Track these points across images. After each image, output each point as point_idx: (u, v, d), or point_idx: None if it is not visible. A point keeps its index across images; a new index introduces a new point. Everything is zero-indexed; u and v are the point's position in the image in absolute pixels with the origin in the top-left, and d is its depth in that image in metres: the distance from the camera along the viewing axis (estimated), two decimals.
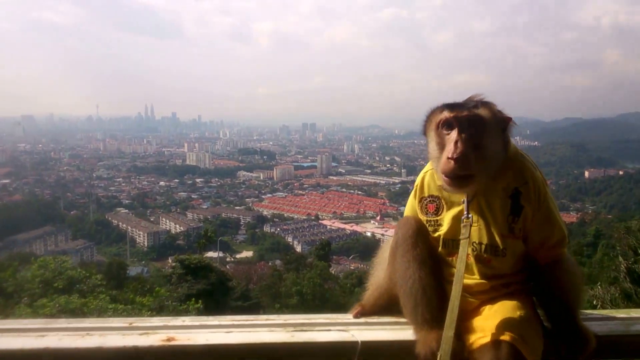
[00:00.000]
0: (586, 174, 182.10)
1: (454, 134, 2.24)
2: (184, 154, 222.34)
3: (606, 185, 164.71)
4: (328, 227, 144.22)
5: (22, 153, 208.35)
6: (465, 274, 2.31)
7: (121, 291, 27.11)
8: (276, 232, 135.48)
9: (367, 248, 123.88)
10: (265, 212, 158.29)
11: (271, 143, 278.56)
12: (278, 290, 41.86)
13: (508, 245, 2.33)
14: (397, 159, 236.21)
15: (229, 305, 36.36)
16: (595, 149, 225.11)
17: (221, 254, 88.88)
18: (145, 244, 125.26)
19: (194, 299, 16.61)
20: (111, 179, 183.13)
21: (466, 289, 2.33)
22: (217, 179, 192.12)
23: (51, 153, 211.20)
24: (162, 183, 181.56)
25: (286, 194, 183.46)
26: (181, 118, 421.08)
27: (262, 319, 2.72)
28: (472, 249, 2.36)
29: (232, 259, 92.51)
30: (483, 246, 2.35)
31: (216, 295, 35.40)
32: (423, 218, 2.50)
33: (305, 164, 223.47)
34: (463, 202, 2.35)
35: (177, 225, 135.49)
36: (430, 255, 2.42)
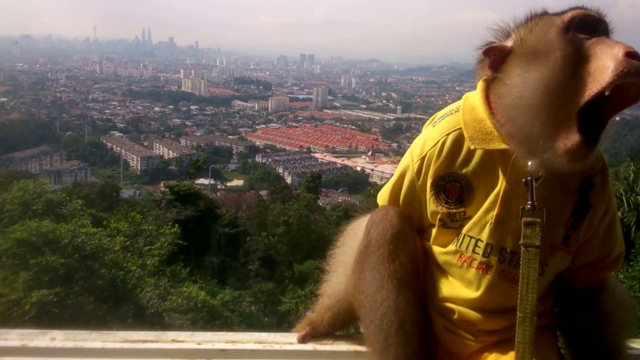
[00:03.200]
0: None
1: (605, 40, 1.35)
2: (180, 80, 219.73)
3: None
4: (319, 160, 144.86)
5: (19, 72, 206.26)
6: (464, 296, 1.60)
7: (112, 213, 27.61)
8: (267, 163, 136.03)
9: (356, 182, 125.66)
10: (258, 143, 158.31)
11: (268, 73, 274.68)
12: (265, 220, 42.61)
13: (553, 261, 1.58)
14: (393, 95, 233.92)
15: (216, 231, 37.12)
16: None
17: (212, 182, 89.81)
18: (139, 167, 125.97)
19: (170, 223, 16.87)
20: (106, 101, 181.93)
21: (464, 323, 1.62)
22: (211, 107, 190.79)
23: (48, 74, 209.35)
24: (156, 108, 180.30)
25: (280, 125, 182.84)
26: (178, 44, 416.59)
27: (166, 339, 1.93)
28: (499, 259, 1.55)
29: (223, 187, 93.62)
30: (515, 257, 1.53)
31: (204, 221, 36.02)
32: (437, 209, 1.60)
33: (300, 96, 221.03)
34: (525, 183, 1.45)
35: (171, 151, 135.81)
36: (414, 269, 1.63)
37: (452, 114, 1.61)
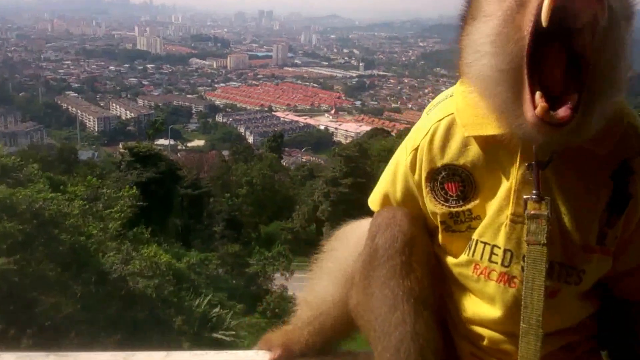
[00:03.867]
0: None
1: None
2: (135, 38, 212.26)
3: None
4: (281, 119, 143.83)
5: None
6: (489, 316, 1.32)
7: (71, 176, 26.78)
8: (228, 123, 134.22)
9: (320, 141, 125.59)
10: (217, 102, 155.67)
11: (225, 30, 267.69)
12: (228, 180, 42.22)
13: (590, 267, 1.28)
14: (355, 51, 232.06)
15: (179, 193, 36.58)
16: None
17: (172, 142, 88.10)
18: (96, 128, 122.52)
19: (127, 186, 16.44)
20: (59, 61, 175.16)
21: (495, 351, 1.34)
22: (168, 66, 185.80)
23: None
24: (112, 67, 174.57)
25: (240, 83, 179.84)
26: (132, 0, 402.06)
27: None
28: (522, 267, 1.27)
29: (184, 147, 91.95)
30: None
31: (166, 183, 35.39)
32: (435, 208, 1.36)
33: (260, 54, 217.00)
34: (529, 168, 1.22)
35: (128, 112, 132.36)
36: (431, 284, 1.37)
37: (445, 99, 1.42)
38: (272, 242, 33.47)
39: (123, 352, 1.68)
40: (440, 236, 1.37)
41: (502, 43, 1.13)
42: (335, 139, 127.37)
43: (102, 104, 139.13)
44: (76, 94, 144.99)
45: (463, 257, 1.33)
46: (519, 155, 1.23)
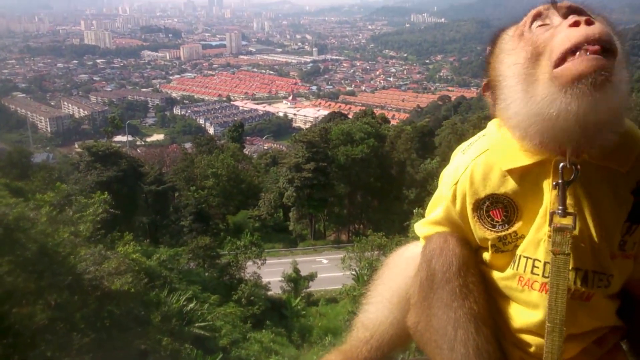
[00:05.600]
0: (488, 50, 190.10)
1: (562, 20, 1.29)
2: (82, 33, 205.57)
3: None
4: (240, 108, 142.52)
5: None
6: (534, 322, 1.44)
7: (27, 181, 25.75)
8: (187, 115, 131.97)
9: (280, 127, 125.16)
10: (174, 94, 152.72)
11: (176, 20, 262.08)
12: (192, 173, 41.69)
13: (616, 270, 1.41)
14: (308, 37, 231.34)
15: (142, 190, 35.92)
16: (499, 25, 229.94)
17: (130, 138, 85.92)
18: (48, 129, 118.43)
19: (99, 191, 16.02)
20: (2, 60, 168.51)
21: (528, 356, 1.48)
22: (119, 60, 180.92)
23: None
24: (60, 65, 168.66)
25: (195, 74, 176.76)
26: None
27: None
28: None
29: (143, 143, 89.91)
30: (581, 273, 1.39)
31: (128, 181, 34.67)
32: (485, 235, 1.47)
33: (213, 43, 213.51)
34: (555, 187, 1.35)
35: (81, 109, 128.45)
36: (486, 302, 1.50)
37: (479, 139, 1.55)
38: (240, 231, 33.28)
39: None
40: (489, 256, 1.49)
41: (527, 88, 1.27)
42: (294, 124, 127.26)
43: (52, 103, 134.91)
44: (24, 94, 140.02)
45: (509, 271, 1.45)
46: (551, 177, 1.35)
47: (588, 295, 1.38)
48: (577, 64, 1.17)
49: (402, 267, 1.67)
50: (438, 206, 1.57)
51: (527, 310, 1.45)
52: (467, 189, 1.46)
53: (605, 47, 1.17)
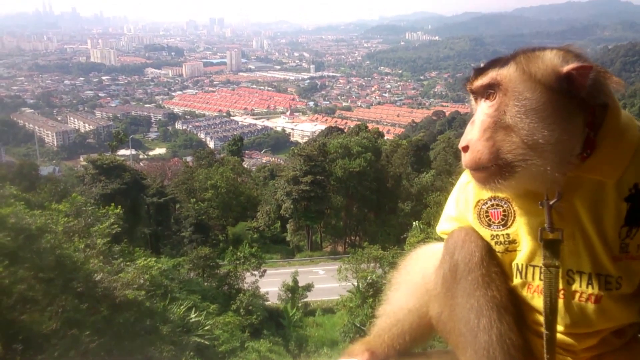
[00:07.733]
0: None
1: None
2: (88, 51, 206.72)
3: None
4: (240, 123, 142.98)
5: None
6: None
7: (34, 193, 25.91)
8: (188, 129, 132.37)
9: (278, 142, 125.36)
10: (176, 110, 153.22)
11: (178, 39, 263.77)
12: (192, 186, 41.83)
13: (623, 271, 1.42)
14: (305, 54, 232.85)
15: (145, 202, 36.05)
16: (492, 42, 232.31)
17: (134, 152, 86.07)
18: (55, 143, 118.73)
19: (113, 204, 16.17)
20: (12, 78, 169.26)
21: (561, 345, 1.52)
22: (124, 77, 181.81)
23: None
24: (66, 81, 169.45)
25: (196, 90, 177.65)
26: (82, 13, 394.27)
27: None
28: (567, 281, 1.46)
29: (146, 156, 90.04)
30: (584, 277, 1.43)
31: (131, 193, 34.82)
32: (483, 232, 1.55)
33: (214, 61, 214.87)
34: (541, 205, 1.41)
35: (86, 124, 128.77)
36: (508, 292, 1.53)
37: None
38: (239, 242, 33.35)
39: None
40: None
41: None
42: (292, 139, 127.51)
43: (59, 119, 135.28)
44: (32, 110, 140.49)
45: (518, 280, 1.50)
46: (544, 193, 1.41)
47: (597, 298, 1.40)
48: (464, 161, 1.38)
49: (423, 260, 1.72)
50: (456, 205, 1.64)
51: (531, 309, 1.51)
52: (475, 189, 1.55)
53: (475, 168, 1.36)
